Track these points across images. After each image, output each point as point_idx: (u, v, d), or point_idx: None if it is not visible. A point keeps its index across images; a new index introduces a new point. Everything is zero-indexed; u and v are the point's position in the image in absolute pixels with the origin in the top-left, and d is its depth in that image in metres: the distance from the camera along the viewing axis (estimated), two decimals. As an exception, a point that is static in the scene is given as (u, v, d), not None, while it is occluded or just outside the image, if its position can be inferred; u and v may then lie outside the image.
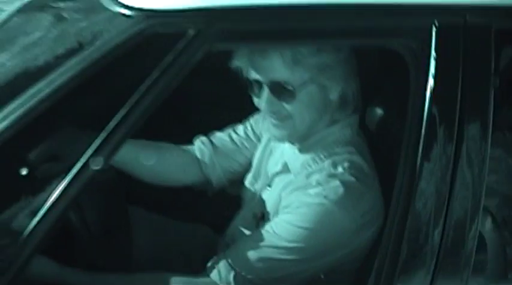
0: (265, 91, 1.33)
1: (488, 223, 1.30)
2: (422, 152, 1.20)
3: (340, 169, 1.31)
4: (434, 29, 1.18)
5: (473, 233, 1.21)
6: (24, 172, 1.12)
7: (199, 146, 1.65)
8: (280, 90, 1.32)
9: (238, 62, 1.37)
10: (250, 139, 1.65)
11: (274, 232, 1.31)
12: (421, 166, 1.20)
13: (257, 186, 1.57)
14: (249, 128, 1.66)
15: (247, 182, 1.61)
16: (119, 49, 1.14)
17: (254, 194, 1.56)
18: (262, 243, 1.30)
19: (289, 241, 1.29)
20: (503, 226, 1.36)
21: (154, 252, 1.61)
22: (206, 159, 1.64)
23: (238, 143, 1.65)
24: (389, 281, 1.20)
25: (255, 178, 1.59)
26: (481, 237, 1.23)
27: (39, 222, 1.08)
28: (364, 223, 1.29)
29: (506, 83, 1.29)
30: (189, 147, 1.66)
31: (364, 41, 1.25)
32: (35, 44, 1.36)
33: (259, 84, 1.34)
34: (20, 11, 1.72)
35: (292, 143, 1.42)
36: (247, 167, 1.63)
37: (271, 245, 1.30)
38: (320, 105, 1.36)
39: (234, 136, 1.66)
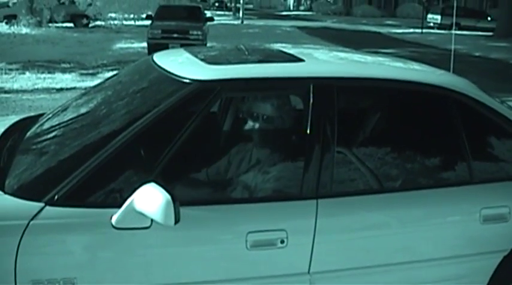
0: (260, 119, 2.97)
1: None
2: (308, 145, 2.80)
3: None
4: (311, 87, 2.83)
5: (331, 163, 2.82)
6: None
7: None
8: (267, 119, 2.97)
9: (247, 105, 3.03)
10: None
11: None
12: (309, 149, 2.81)
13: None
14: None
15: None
16: (186, 97, 2.69)
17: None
18: None
19: None
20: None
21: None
22: None
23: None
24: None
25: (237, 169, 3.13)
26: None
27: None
28: None
29: (342, 114, 3.02)
30: None
31: (285, 92, 2.96)
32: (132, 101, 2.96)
33: (256, 115, 2.99)
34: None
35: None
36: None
37: None
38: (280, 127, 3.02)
39: None
